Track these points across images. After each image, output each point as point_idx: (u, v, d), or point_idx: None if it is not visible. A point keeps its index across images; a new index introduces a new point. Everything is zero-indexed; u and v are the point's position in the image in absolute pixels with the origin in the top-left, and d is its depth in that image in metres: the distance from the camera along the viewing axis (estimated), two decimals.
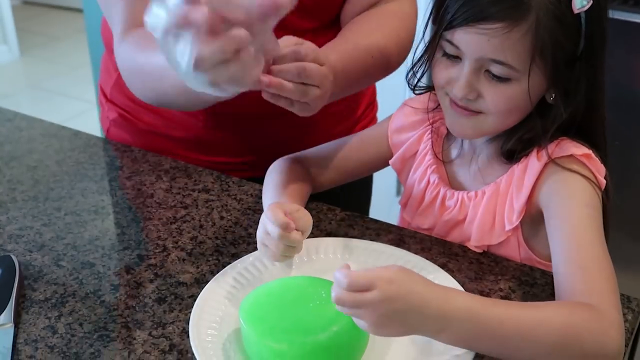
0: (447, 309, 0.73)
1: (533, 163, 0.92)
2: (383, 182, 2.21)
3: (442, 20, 0.90)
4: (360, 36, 1.09)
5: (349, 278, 0.72)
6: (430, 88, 1.03)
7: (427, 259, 0.95)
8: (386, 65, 1.11)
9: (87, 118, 3.63)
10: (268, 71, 0.83)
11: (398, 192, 2.31)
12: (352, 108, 1.30)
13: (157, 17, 0.71)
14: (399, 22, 1.13)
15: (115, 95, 1.29)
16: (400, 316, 0.72)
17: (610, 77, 0.93)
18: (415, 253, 0.97)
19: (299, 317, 0.77)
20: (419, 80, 1.01)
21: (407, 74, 1.02)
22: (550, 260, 0.95)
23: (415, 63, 0.99)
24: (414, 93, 1.04)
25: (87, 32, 2.81)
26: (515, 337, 0.74)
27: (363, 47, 1.07)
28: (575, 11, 0.84)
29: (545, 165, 0.91)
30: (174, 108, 1.14)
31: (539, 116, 0.90)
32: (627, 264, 0.89)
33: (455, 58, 0.90)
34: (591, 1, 0.84)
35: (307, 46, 0.86)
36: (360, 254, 0.95)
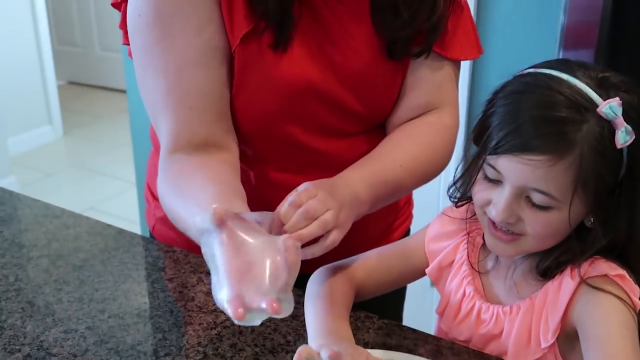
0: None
1: (567, 282, 0.93)
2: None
3: (485, 144, 0.92)
4: (387, 147, 1.14)
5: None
6: (470, 199, 1.05)
7: None
8: (418, 174, 1.14)
9: (126, 198, 3.71)
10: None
11: (432, 283, 2.31)
12: (388, 208, 1.32)
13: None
14: (434, 133, 1.17)
15: None
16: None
17: None
18: None
19: None
20: (460, 199, 1.03)
21: (449, 189, 1.04)
22: None
23: (457, 180, 1.01)
24: (455, 206, 1.07)
25: (129, 112, 2.91)
26: None
27: (389, 157, 1.11)
28: (619, 146, 0.86)
29: (579, 284, 0.91)
30: None
31: (577, 239, 0.92)
32: None
33: (497, 182, 0.92)
34: (634, 136, 0.86)
35: (299, 193, 0.94)
36: None
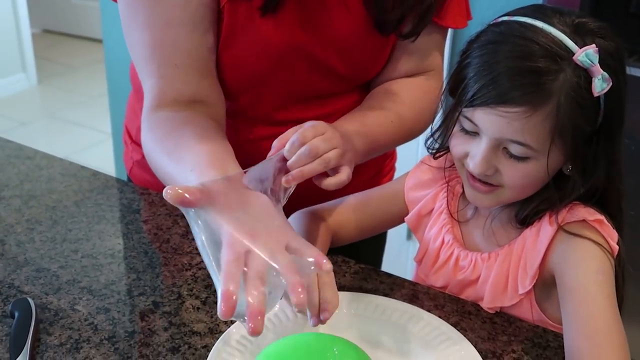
0: None
1: (545, 228, 0.92)
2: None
3: (461, 97, 0.90)
4: (378, 102, 1.14)
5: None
6: (447, 149, 1.04)
7: (439, 316, 0.95)
8: (405, 131, 1.15)
9: (102, 149, 3.66)
10: (287, 170, 0.90)
11: (409, 236, 2.32)
12: (371, 162, 1.31)
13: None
14: (421, 94, 1.16)
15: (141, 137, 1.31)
16: None
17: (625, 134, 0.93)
18: (428, 310, 0.97)
19: None
20: (438, 150, 1.02)
21: (427, 141, 1.03)
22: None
23: (435, 132, 1.00)
24: (433, 158, 1.06)
25: (105, 62, 2.85)
26: None
27: (382, 113, 1.11)
28: (596, 94, 0.85)
29: (557, 230, 0.91)
30: None
31: (556, 187, 0.91)
32: None
33: (474, 134, 0.91)
34: (610, 83, 0.85)
35: (304, 129, 0.92)
36: (373, 310, 0.96)
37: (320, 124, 0.94)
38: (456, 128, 0.93)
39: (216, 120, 1.07)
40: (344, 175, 0.94)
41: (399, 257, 2.25)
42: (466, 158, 0.92)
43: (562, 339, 0.93)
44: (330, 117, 1.07)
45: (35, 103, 4.43)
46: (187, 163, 0.93)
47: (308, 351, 0.82)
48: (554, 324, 0.97)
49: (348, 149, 0.96)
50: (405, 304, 0.97)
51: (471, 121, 0.89)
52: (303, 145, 0.90)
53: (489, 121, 0.87)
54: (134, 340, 0.93)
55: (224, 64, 1.09)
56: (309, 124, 0.93)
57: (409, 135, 1.17)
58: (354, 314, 0.96)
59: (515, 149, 0.87)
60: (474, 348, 0.89)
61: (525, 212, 0.95)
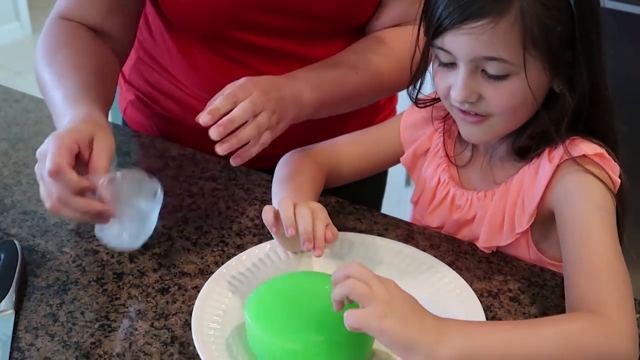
0: (442, 319, 0.72)
1: (544, 165, 0.89)
2: (391, 172, 2.19)
3: (429, 29, 0.88)
4: (346, 54, 1.12)
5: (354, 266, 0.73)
6: (436, 100, 1.02)
7: (435, 256, 0.93)
8: (379, 83, 1.13)
9: None
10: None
11: (407, 183, 2.29)
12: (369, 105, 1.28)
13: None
14: (401, 44, 1.11)
15: (134, 78, 1.28)
16: (403, 309, 0.70)
17: (615, 69, 0.90)
18: (424, 250, 0.95)
19: (309, 315, 0.76)
20: (418, 91, 0.99)
21: (407, 88, 1.00)
22: (561, 261, 0.93)
23: (414, 76, 0.97)
24: (417, 106, 1.02)
25: None
26: (513, 352, 0.71)
27: (346, 64, 1.10)
28: None
29: (557, 166, 0.88)
30: None
31: (546, 109, 0.88)
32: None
33: (452, 65, 0.87)
34: None
35: (234, 90, 0.93)
36: (367, 250, 0.94)
37: (250, 83, 0.95)
38: (435, 66, 0.91)
39: (111, 58, 1.11)
40: (262, 141, 0.95)
41: (398, 204, 2.22)
42: (450, 94, 0.89)
43: (560, 278, 0.92)
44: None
45: (30, 53, 4.35)
46: (62, 81, 1.00)
47: (300, 289, 0.80)
48: (552, 262, 0.95)
49: (276, 108, 0.96)
50: (399, 243, 0.95)
51: (443, 49, 0.87)
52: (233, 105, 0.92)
53: (458, 42, 0.85)
54: (122, 282, 0.91)
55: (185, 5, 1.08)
56: (240, 82, 0.95)
57: (385, 87, 1.15)
58: (347, 253, 0.94)
59: (492, 68, 0.84)
60: (469, 287, 0.87)
61: (522, 140, 0.92)
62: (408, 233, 1.01)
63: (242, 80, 0.96)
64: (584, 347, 0.72)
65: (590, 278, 0.79)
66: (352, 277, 0.72)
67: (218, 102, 0.91)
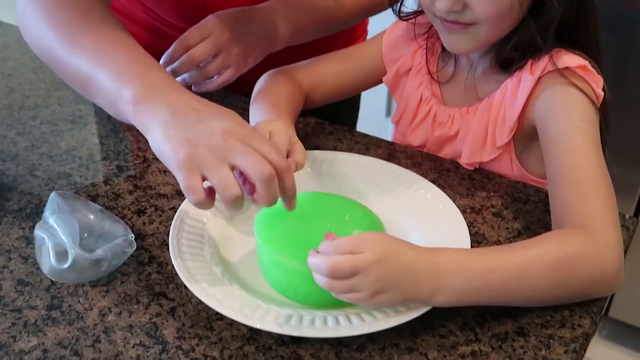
0: (438, 265, 0.69)
1: (526, 77, 0.87)
2: (373, 103, 2.17)
3: None
4: None
5: (335, 244, 0.67)
6: (418, 12, 0.98)
7: (417, 174, 0.91)
8: (357, 6, 1.12)
9: None
10: None
11: (388, 113, 2.27)
12: None
13: None
14: None
15: None
16: (395, 277, 0.67)
17: None
18: (406, 168, 0.93)
19: (312, 234, 0.72)
20: (401, 4, 0.96)
21: (391, 2, 0.97)
22: (544, 178, 0.92)
23: None
24: (400, 19, 0.99)
25: None
26: (511, 283, 0.70)
27: None
28: None
29: (540, 79, 0.86)
30: None
31: (532, 17, 0.85)
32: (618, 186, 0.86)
33: None
34: None
35: (190, 32, 0.98)
36: (349, 168, 0.92)
37: (210, 23, 0.98)
38: None
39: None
40: (220, 80, 1.00)
41: (378, 135, 2.22)
42: (434, 5, 0.86)
43: (544, 193, 0.91)
44: None
45: None
46: (112, 58, 0.79)
47: (310, 209, 0.77)
48: (536, 178, 0.94)
49: (238, 44, 0.99)
50: (382, 161, 0.93)
51: None
52: (186, 50, 0.97)
53: None
54: (97, 204, 0.88)
55: None
56: (204, 22, 0.98)
57: (363, 10, 1.14)
58: (327, 173, 0.91)
59: None
60: (452, 203, 0.85)
61: (505, 51, 0.89)
62: (390, 152, 0.99)
63: (206, 19, 0.98)
64: (578, 265, 0.71)
65: (574, 189, 0.78)
66: (331, 266, 0.66)
67: (172, 48, 0.98)
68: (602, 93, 0.85)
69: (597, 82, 0.85)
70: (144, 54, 0.81)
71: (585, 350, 0.71)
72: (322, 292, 0.68)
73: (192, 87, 1.00)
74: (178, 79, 0.95)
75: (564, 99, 0.85)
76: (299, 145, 0.82)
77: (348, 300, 0.68)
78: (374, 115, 2.20)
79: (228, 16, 0.99)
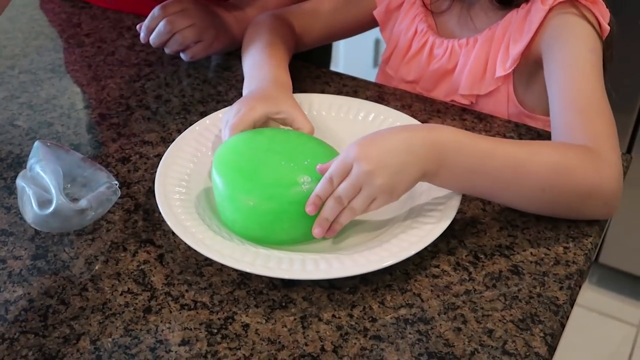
0: (435, 141, 0.68)
1: (537, 8, 0.87)
2: (359, 52, 2.14)
3: None
4: None
5: (328, 168, 0.68)
6: None
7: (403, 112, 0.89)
8: None
9: None
10: None
11: (375, 64, 2.24)
12: None
13: None
14: None
15: None
16: (397, 164, 0.66)
17: None
18: (396, 110, 0.91)
19: (272, 171, 0.72)
20: None
21: None
22: (540, 114, 0.92)
23: None
24: None
25: None
26: (507, 172, 0.70)
27: None
28: None
29: (550, 10, 0.85)
30: None
31: None
32: None
33: None
34: None
35: (164, 5, 0.99)
36: (339, 110, 0.89)
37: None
38: None
39: None
40: (196, 49, 1.00)
41: None
42: None
43: (535, 132, 0.89)
44: None
45: None
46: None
47: (269, 146, 0.76)
48: (531, 114, 0.93)
49: (211, 24, 0.99)
50: (371, 102, 0.90)
51: None
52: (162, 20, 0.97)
53: None
54: (80, 152, 0.86)
55: None
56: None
57: None
58: (316, 115, 0.89)
59: None
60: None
61: None
62: (379, 94, 0.97)
63: None
64: (575, 174, 0.71)
65: (579, 114, 0.78)
66: (338, 202, 0.68)
67: (152, 35, 0.99)
68: (608, 28, 0.86)
69: (604, 15, 0.86)
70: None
71: (580, 287, 0.70)
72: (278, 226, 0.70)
73: (165, 49, 1.00)
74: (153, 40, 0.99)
75: (574, 28, 0.85)
76: (297, 118, 0.81)
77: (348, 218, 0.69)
78: (362, 67, 2.17)
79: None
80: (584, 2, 0.85)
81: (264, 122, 0.81)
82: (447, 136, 0.69)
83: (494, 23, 0.91)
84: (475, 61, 0.91)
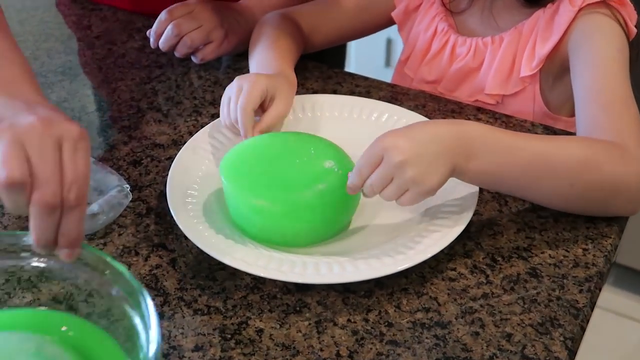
0: (463, 134, 0.67)
1: (565, 8, 0.86)
2: (371, 52, 2.12)
3: None
4: None
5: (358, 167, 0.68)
6: None
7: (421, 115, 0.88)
8: None
9: None
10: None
11: (387, 64, 2.22)
12: None
13: None
14: None
15: None
16: (428, 154, 0.65)
17: None
18: (409, 110, 0.90)
19: (284, 174, 0.71)
20: None
21: None
22: (565, 115, 0.92)
23: None
24: None
25: None
26: (537, 165, 0.69)
27: None
28: None
29: (579, 10, 0.85)
30: None
31: None
32: None
33: None
34: None
35: (174, 7, 0.98)
36: (352, 111, 0.88)
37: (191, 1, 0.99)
38: None
39: None
40: (205, 51, 0.99)
41: None
42: None
43: (551, 132, 0.88)
44: None
45: None
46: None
47: (281, 149, 0.75)
48: (556, 115, 0.93)
49: (220, 24, 0.98)
50: (384, 103, 0.89)
51: None
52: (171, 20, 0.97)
53: None
54: (91, 155, 0.85)
55: None
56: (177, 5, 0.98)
57: None
58: (329, 116, 0.88)
59: None
60: None
61: None
62: (392, 95, 0.96)
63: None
64: (603, 169, 0.70)
65: (606, 109, 0.77)
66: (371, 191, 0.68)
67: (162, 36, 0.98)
68: (635, 30, 0.85)
69: (631, 17, 0.85)
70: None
71: (600, 290, 0.69)
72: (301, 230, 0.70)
73: (175, 52, 1.00)
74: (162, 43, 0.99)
75: (603, 28, 0.84)
76: (281, 95, 0.81)
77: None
78: (373, 67, 2.16)
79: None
80: (613, 4, 0.84)
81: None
82: (474, 130, 0.68)
83: (519, 22, 0.90)
84: (502, 60, 0.90)
